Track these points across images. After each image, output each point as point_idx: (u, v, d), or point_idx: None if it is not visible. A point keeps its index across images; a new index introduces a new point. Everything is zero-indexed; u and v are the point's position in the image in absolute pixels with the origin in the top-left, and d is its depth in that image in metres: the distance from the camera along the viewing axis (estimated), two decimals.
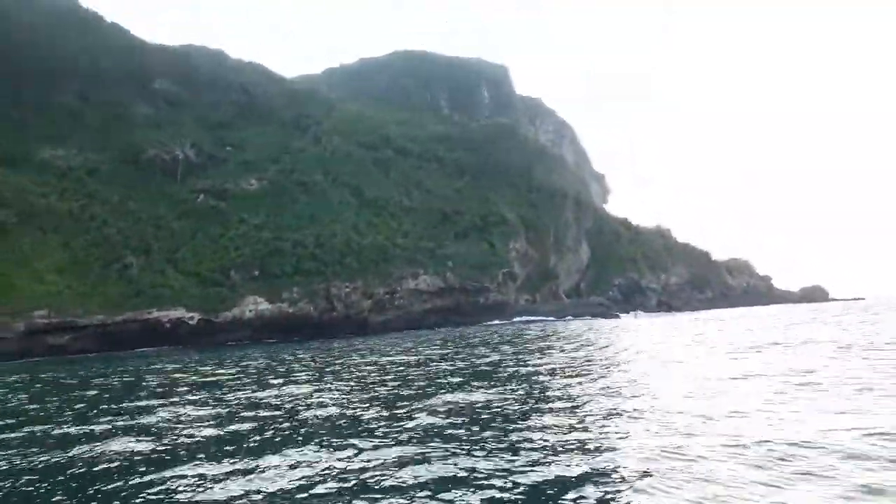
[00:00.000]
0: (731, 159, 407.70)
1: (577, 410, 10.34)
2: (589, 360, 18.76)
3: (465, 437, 8.70)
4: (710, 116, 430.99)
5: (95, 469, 8.20)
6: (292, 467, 7.67)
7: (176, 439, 9.78)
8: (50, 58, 75.38)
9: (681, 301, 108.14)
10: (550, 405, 10.97)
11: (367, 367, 20.64)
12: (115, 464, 8.37)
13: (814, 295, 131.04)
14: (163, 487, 7.16)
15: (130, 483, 7.41)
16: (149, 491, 7.06)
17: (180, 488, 7.09)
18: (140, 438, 9.95)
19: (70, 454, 9.06)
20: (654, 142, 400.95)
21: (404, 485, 6.74)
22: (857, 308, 64.57)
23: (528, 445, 8.11)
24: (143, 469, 8.00)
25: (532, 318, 73.14)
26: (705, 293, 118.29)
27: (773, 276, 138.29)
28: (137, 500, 6.78)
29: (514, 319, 69.25)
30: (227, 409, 12.67)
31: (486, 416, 10.18)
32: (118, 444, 9.52)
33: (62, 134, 68.34)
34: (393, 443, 8.60)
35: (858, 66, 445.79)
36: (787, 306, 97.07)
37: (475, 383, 14.56)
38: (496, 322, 68.46)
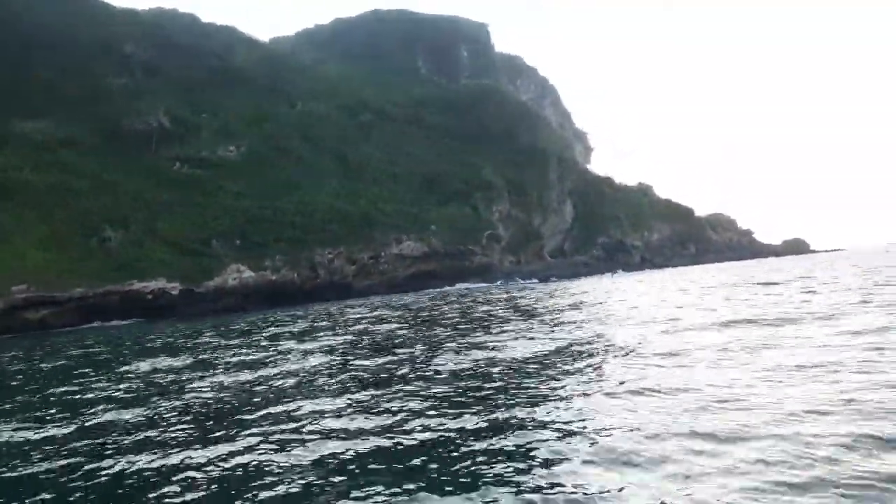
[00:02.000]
0: (710, 129, 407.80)
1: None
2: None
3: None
4: (691, 87, 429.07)
5: None
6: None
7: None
8: (20, 29, 73.13)
9: (664, 258, 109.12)
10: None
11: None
12: None
13: (795, 247, 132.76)
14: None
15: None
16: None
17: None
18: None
19: None
20: (635, 113, 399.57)
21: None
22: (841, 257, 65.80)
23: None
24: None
25: (509, 282, 73.45)
26: (689, 249, 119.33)
27: (757, 230, 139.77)
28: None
29: (497, 283, 69.52)
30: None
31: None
32: None
33: (37, 107, 66.70)
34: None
35: (834, 38, 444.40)
36: (769, 259, 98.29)
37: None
38: (462, 286, 68.68)
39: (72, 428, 8.95)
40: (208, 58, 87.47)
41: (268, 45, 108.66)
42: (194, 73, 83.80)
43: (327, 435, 7.20)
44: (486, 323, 19.48)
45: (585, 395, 8.17)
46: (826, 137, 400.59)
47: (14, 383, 15.18)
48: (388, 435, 6.96)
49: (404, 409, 8.07)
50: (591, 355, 11.46)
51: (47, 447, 7.93)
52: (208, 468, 6.44)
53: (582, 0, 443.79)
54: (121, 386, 12.73)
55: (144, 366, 15.74)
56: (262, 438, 7.32)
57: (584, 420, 6.92)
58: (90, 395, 11.77)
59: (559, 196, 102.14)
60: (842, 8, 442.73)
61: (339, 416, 8.04)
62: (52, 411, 10.47)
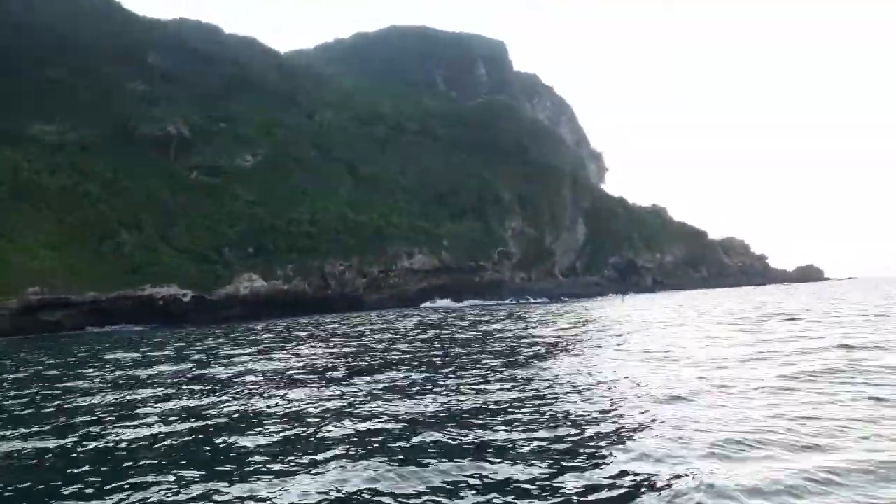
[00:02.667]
0: (729, 143, 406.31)
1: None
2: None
3: None
4: (710, 101, 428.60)
5: None
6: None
7: None
8: (44, 33, 74.24)
9: (676, 280, 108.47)
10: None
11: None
12: None
13: (809, 274, 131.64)
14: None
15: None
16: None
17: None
18: None
19: None
20: (651, 130, 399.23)
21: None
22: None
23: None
24: None
25: (516, 300, 73.08)
26: (700, 272, 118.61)
27: (770, 255, 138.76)
28: None
29: (507, 300, 69.20)
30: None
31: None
32: None
33: (55, 109, 67.47)
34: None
35: (856, 52, 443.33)
36: (781, 286, 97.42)
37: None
38: (472, 302, 68.37)
39: None
40: (227, 67, 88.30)
41: (286, 57, 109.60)
42: (213, 81, 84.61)
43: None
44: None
45: None
46: (842, 160, 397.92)
47: None
48: None
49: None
50: None
51: None
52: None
53: (597, 14, 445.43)
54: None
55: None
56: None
57: None
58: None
59: (572, 215, 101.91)
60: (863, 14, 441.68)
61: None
62: None
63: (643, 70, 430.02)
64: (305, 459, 6.87)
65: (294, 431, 8.26)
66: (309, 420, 8.95)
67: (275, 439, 7.88)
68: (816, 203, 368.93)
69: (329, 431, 8.11)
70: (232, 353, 20.16)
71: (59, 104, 68.42)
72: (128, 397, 11.86)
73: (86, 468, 7.05)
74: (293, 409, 9.85)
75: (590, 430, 7.60)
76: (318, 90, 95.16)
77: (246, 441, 7.83)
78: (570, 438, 7.31)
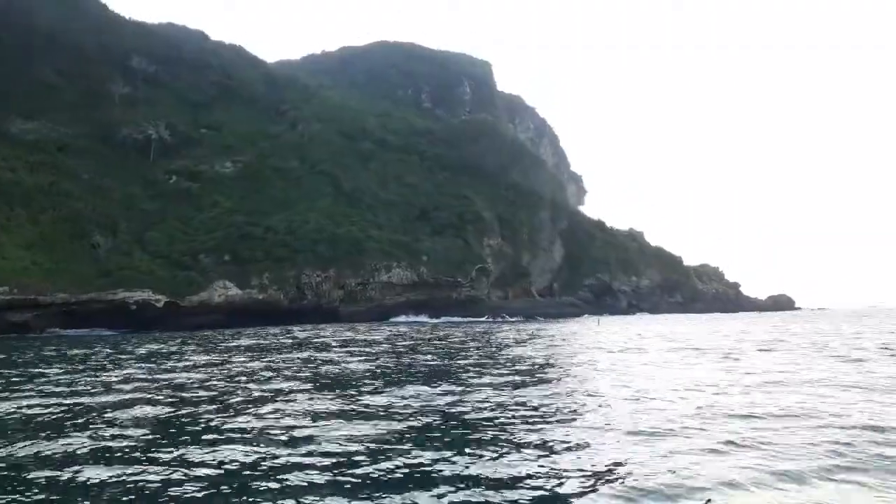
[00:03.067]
0: (709, 169, 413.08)
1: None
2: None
3: None
4: (693, 126, 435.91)
5: None
6: None
7: None
8: (27, 31, 73.68)
9: (650, 304, 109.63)
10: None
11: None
12: None
13: (780, 303, 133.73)
14: None
15: None
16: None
17: None
18: None
19: None
20: (632, 146, 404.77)
21: None
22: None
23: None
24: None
25: (493, 318, 73.43)
26: (675, 297, 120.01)
27: (743, 283, 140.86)
28: None
29: (483, 318, 69.47)
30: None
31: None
32: None
33: (36, 108, 66.79)
34: None
35: (832, 78, 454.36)
36: (754, 314, 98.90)
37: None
38: (447, 319, 68.62)
39: None
40: (213, 74, 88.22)
41: (272, 66, 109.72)
42: (198, 87, 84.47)
43: None
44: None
45: None
46: (820, 190, 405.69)
47: None
48: None
49: None
50: None
51: None
52: None
53: (580, 38, 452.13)
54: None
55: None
56: None
57: None
58: None
59: (549, 235, 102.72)
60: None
61: None
62: None
63: (625, 94, 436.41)
64: None
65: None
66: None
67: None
68: (792, 231, 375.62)
69: None
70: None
71: (41, 103, 67.78)
72: None
73: None
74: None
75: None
76: (304, 102, 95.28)
77: None
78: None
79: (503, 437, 8.21)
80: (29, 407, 10.85)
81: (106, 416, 9.93)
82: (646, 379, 14.33)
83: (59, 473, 6.73)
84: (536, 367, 17.30)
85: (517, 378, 14.41)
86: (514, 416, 9.60)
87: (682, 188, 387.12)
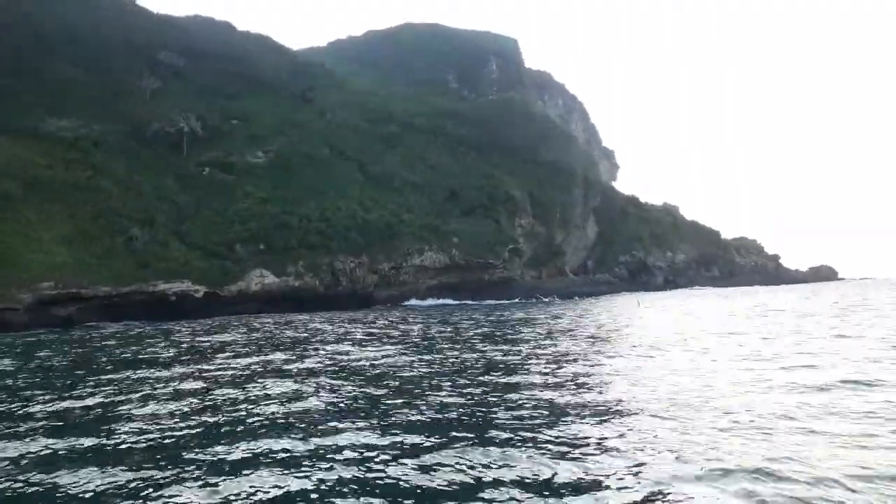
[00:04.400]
0: (745, 141, 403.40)
1: None
2: None
3: None
4: (725, 99, 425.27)
5: None
6: None
7: None
8: (56, 29, 74.93)
9: (687, 279, 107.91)
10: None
11: None
12: None
13: (823, 274, 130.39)
14: None
15: None
16: None
17: None
18: None
19: None
20: (665, 128, 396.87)
21: None
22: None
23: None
24: None
25: (527, 300, 72.92)
26: (712, 271, 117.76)
27: (784, 255, 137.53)
28: None
29: (515, 300, 69.04)
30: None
31: None
32: None
33: (68, 106, 68.04)
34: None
35: (871, 48, 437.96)
36: (799, 286, 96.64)
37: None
38: (481, 302, 68.36)
39: None
40: (240, 65, 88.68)
41: (299, 55, 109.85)
42: (226, 79, 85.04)
43: None
44: None
45: None
46: (860, 157, 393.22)
47: None
48: None
49: None
50: None
51: None
52: None
53: (611, 10, 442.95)
54: None
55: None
56: None
57: None
58: None
59: (583, 213, 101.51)
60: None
61: None
62: None
63: (657, 67, 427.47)
64: None
65: None
66: None
67: None
68: (834, 202, 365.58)
69: None
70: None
71: (73, 101, 69.01)
72: None
73: None
74: None
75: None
76: (331, 88, 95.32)
77: None
78: None
79: None
80: None
81: None
82: None
83: None
84: None
85: None
86: None
87: (719, 161, 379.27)
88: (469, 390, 11.44)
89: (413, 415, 9.53)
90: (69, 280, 46.56)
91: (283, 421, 9.41)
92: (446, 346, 19.76)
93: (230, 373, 14.73)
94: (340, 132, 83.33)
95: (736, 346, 17.12)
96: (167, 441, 8.36)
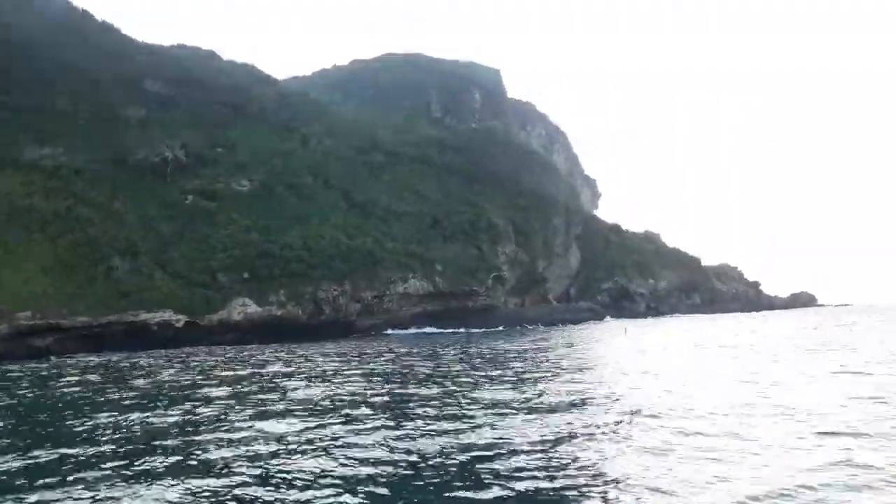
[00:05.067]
0: (726, 169, 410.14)
1: None
2: None
3: None
4: (706, 124, 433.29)
5: None
6: None
7: None
8: (39, 57, 74.95)
9: (669, 306, 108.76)
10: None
11: None
12: None
13: (802, 301, 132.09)
14: None
15: None
16: None
17: None
18: None
19: None
20: (646, 148, 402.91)
21: None
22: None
23: None
24: None
25: (509, 327, 73.13)
26: (693, 298, 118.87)
27: (764, 281, 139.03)
28: None
29: (499, 328, 69.15)
30: None
31: None
32: None
33: (51, 134, 67.73)
34: None
35: (850, 73, 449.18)
36: (776, 312, 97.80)
37: None
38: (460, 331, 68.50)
39: None
40: (225, 94, 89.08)
41: (284, 84, 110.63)
42: (211, 107, 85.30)
43: None
44: None
45: None
46: (842, 182, 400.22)
47: None
48: None
49: None
50: None
51: None
52: None
53: (591, 39, 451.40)
54: None
55: None
56: None
57: None
58: None
59: (565, 241, 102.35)
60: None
61: None
62: None
63: (636, 96, 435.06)
64: None
65: None
66: None
67: None
68: (816, 222, 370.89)
69: None
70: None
71: (56, 129, 68.78)
72: None
73: None
74: None
75: None
76: (316, 117, 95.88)
77: None
78: None
79: None
80: None
81: None
82: None
83: None
84: None
85: None
86: None
87: (699, 188, 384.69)
88: None
89: None
90: (48, 310, 46.09)
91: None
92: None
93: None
94: (325, 161, 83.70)
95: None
96: None
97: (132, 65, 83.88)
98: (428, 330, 66.48)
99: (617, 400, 14.90)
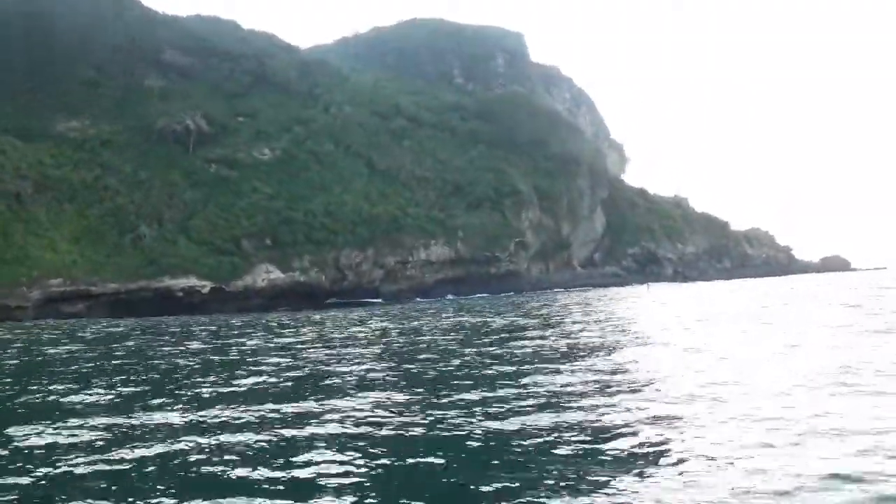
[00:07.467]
0: (757, 131, 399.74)
1: None
2: None
3: None
4: (736, 88, 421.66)
5: None
6: None
7: None
8: (65, 31, 75.70)
9: (697, 271, 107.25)
10: None
11: None
12: None
13: (835, 265, 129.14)
14: None
15: None
16: None
17: None
18: None
19: None
20: (673, 120, 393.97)
21: None
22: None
23: None
24: None
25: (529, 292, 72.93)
26: (723, 263, 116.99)
27: (796, 246, 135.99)
28: None
29: (522, 292, 68.96)
30: None
31: None
32: None
33: (77, 106, 68.92)
34: None
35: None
36: (810, 276, 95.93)
37: None
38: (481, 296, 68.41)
39: None
40: (246, 63, 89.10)
41: (305, 52, 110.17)
42: (232, 77, 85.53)
43: None
44: None
45: None
46: (874, 144, 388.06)
47: None
48: None
49: None
50: None
51: None
52: None
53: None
54: None
55: None
56: None
57: None
58: None
59: (590, 205, 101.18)
60: None
61: None
62: None
63: (665, 59, 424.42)
64: None
65: None
66: None
67: None
68: (848, 191, 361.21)
69: None
70: None
71: (83, 101, 69.91)
72: None
73: None
74: None
75: None
76: (337, 85, 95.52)
77: None
78: None
79: None
80: None
81: None
82: None
83: None
84: None
85: None
86: None
87: (730, 151, 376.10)
88: None
89: None
90: (78, 277, 47.33)
91: None
92: None
93: None
94: (347, 128, 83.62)
95: None
96: None
97: (153, 36, 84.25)
98: (450, 297, 66.23)
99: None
